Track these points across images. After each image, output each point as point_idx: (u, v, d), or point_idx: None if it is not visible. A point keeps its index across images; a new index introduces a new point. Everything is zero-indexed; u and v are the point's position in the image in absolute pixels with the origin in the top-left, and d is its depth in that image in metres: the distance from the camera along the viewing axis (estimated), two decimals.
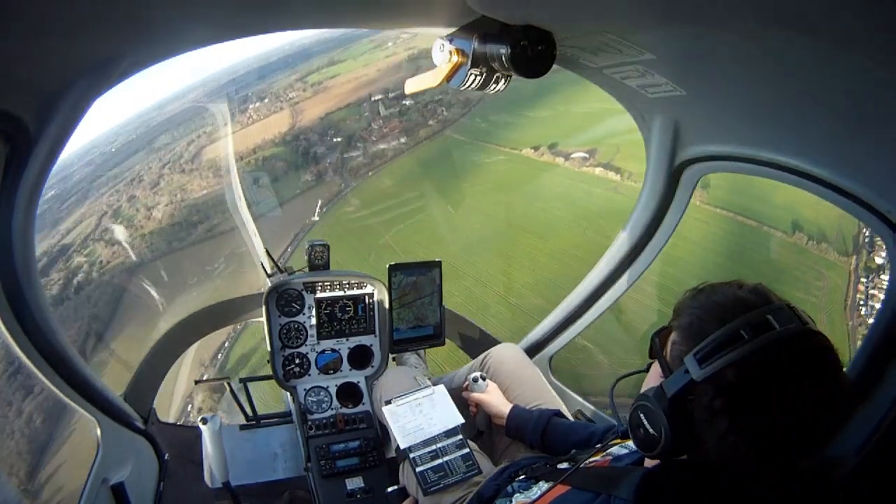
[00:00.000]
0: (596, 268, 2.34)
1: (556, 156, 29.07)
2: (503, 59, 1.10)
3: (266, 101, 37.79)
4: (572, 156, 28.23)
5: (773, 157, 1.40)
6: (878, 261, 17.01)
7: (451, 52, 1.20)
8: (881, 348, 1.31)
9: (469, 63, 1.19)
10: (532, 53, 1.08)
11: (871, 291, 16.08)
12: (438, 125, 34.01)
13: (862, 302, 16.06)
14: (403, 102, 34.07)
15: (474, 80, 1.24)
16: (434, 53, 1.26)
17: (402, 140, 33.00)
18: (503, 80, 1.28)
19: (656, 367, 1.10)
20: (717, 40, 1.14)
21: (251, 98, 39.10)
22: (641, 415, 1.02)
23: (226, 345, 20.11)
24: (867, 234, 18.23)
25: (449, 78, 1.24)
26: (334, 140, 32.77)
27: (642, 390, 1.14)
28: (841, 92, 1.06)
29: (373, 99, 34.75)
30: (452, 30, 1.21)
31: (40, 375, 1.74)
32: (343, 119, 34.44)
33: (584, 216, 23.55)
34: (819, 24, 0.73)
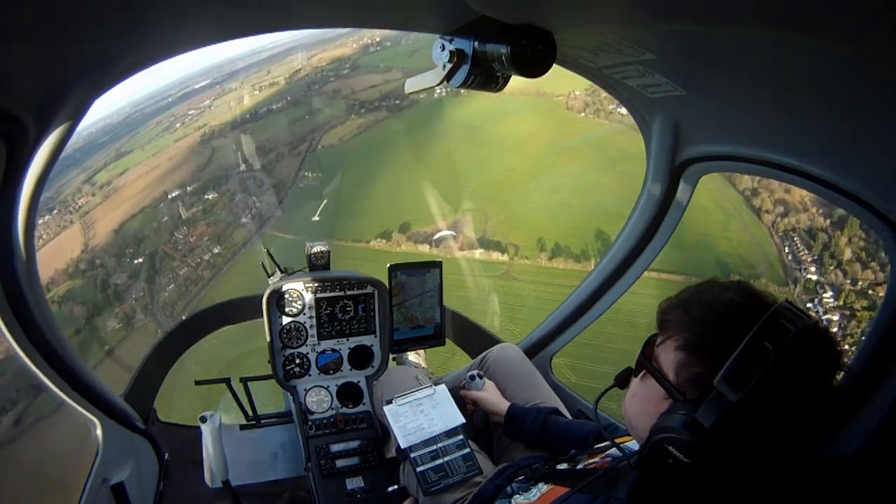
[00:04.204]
0: (596, 268, 2.34)
1: (416, 241, 21.33)
2: (503, 58, 1.09)
3: (55, 212, 28.04)
4: (436, 238, 20.58)
5: (773, 157, 1.40)
6: (813, 277, 16.88)
7: (451, 53, 1.20)
8: (881, 348, 1.31)
9: (469, 63, 1.19)
10: (532, 53, 1.08)
11: (827, 316, 15.81)
12: (255, 223, 26.28)
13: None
14: (205, 197, 27.00)
15: (474, 80, 1.24)
16: (434, 53, 1.26)
17: (217, 251, 24.88)
18: (502, 80, 1.28)
19: (648, 388, 1.07)
20: (717, 40, 1.14)
21: (39, 211, 29.81)
22: (671, 447, 0.95)
23: None
24: (788, 251, 17.98)
25: (449, 78, 1.23)
26: (135, 262, 24.47)
27: (632, 409, 1.11)
28: (841, 92, 1.06)
29: (170, 197, 27.16)
30: (452, 30, 1.21)
31: (40, 375, 1.74)
32: (140, 230, 26.02)
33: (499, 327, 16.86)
34: (819, 24, 0.73)
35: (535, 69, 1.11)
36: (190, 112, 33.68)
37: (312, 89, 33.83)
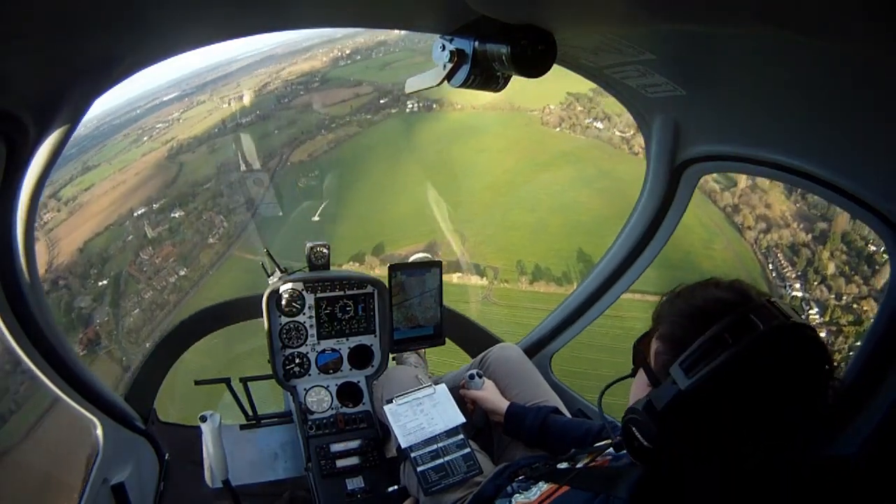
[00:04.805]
0: (596, 267, 2.34)
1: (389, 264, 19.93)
2: (503, 58, 1.10)
3: None
4: (412, 259, 18.02)
5: (773, 157, 1.40)
6: (799, 294, 16.87)
7: (451, 53, 1.20)
8: (881, 348, 1.31)
9: (469, 63, 1.19)
10: (532, 53, 1.08)
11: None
12: (222, 244, 25.05)
13: None
14: (172, 215, 25.74)
15: (474, 80, 1.24)
16: (434, 53, 1.26)
17: (183, 273, 23.77)
18: (503, 80, 1.29)
19: (643, 375, 1.10)
20: (717, 40, 1.14)
21: None
22: (633, 428, 1.01)
23: None
24: (772, 267, 17.88)
25: (449, 78, 1.24)
26: (99, 284, 22.95)
27: (630, 398, 1.14)
28: (841, 92, 1.06)
29: (135, 215, 25.75)
30: (452, 30, 1.21)
31: (40, 375, 1.74)
32: (105, 249, 24.37)
33: None
34: (820, 24, 0.73)
35: (535, 69, 1.11)
36: (158, 125, 32.35)
37: (282, 103, 32.97)
